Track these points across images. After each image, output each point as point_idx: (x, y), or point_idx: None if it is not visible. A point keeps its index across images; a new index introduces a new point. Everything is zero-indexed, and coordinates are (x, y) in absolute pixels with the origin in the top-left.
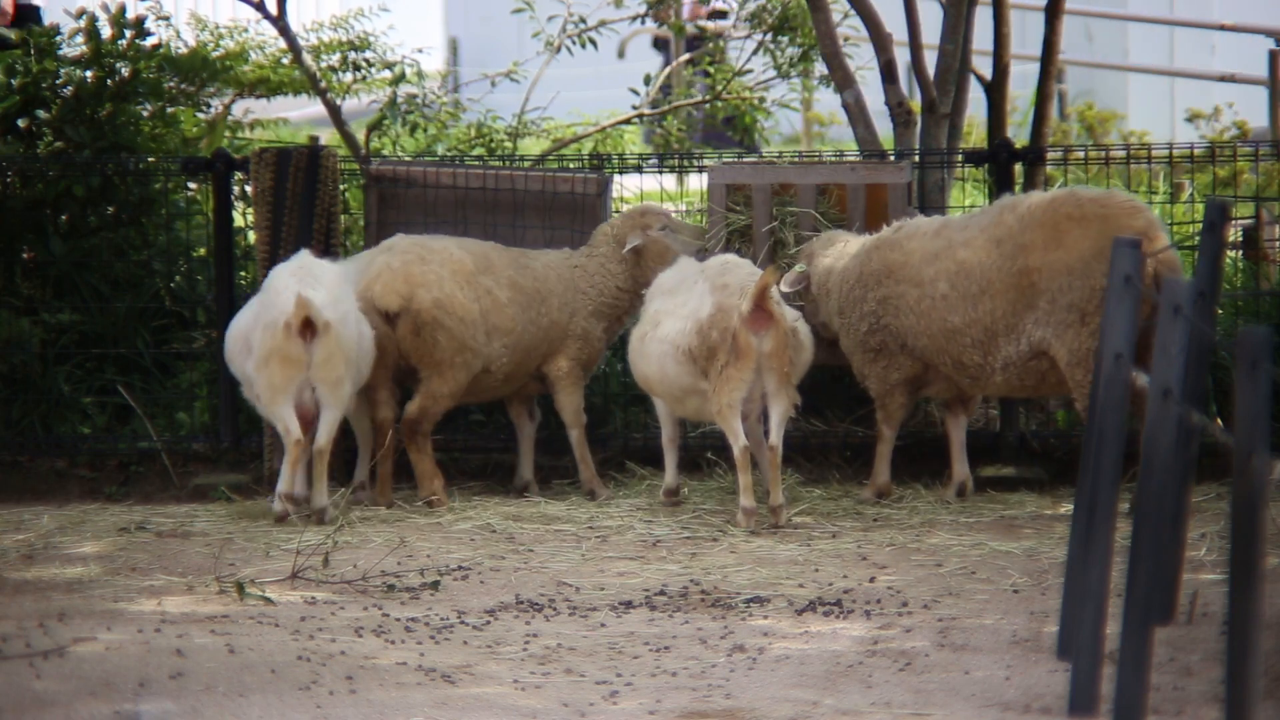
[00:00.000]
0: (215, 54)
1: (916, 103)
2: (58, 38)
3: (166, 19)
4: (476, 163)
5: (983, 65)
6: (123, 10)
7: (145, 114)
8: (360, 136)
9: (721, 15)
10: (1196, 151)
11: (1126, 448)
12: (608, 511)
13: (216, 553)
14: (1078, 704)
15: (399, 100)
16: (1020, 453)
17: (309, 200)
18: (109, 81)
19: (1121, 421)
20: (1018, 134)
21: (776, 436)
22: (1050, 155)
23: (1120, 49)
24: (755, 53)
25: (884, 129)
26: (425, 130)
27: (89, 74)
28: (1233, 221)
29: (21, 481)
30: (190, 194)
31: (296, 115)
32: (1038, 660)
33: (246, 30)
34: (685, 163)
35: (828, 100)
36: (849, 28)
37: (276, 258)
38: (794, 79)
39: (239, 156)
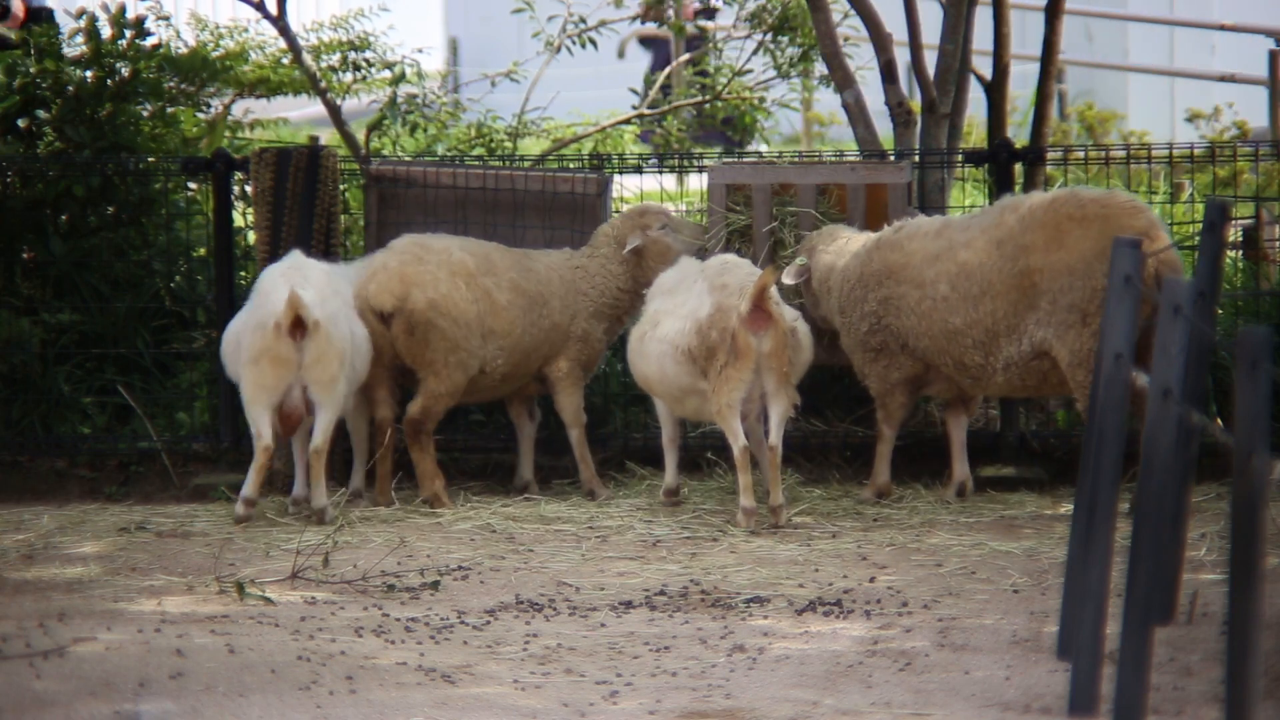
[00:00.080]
0: (215, 54)
1: (916, 103)
2: (58, 38)
3: (166, 19)
4: (476, 163)
5: (983, 65)
6: (123, 10)
7: (145, 114)
8: (360, 136)
9: (710, 14)
10: (1196, 151)
11: (1126, 448)
12: (608, 511)
13: (216, 553)
14: (1078, 704)
15: (399, 100)
16: (1020, 453)
17: (309, 200)
18: (109, 81)
19: (1122, 421)
20: (1018, 134)
21: (776, 436)
22: (1050, 155)
23: (1120, 49)
24: (755, 53)
25: (884, 129)
26: (425, 130)
27: (89, 74)
28: (1233, 221)
29: (21, 481)
30: (190, 194)
31: (296, 115)
32: (1038, 660)
33: (246, 30)
34: (685, 163)
35: (828, 100)
36: (849, 28)
37: (276, 258)
38: (794, 79)
39: (239, 156)
